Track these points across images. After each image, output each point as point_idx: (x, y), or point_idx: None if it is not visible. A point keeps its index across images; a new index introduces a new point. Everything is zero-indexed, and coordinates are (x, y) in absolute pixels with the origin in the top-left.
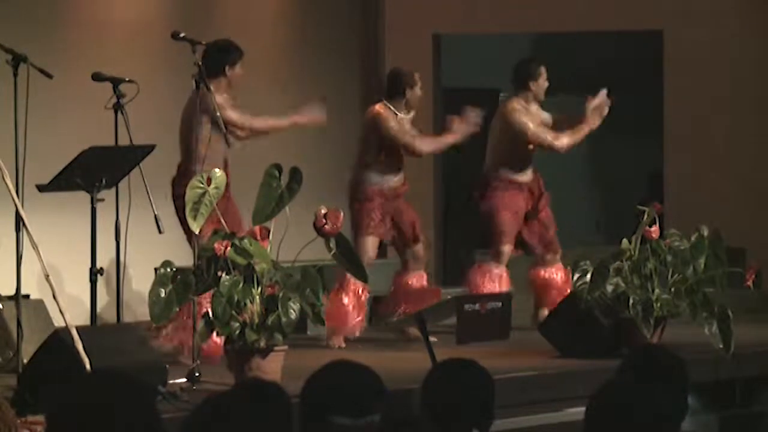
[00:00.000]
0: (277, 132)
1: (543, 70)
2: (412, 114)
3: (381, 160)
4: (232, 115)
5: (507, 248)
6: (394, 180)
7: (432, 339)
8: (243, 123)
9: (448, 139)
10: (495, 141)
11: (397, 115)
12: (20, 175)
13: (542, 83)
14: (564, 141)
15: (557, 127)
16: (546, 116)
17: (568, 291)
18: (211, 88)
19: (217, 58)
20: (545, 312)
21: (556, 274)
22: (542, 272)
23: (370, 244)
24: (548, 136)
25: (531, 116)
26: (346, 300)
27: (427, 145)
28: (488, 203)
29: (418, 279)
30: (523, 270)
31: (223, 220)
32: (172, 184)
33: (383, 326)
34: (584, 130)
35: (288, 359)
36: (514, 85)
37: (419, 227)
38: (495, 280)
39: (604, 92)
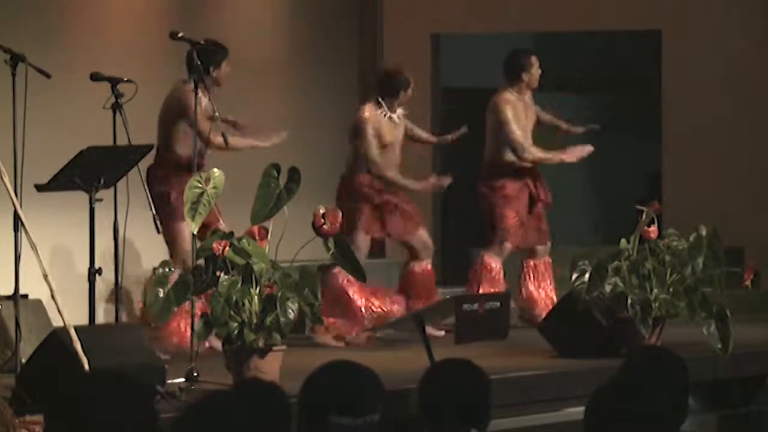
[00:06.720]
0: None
1: (534, 60)
2: (399, 111)
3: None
4: (204, 126)
5: (508, 245)
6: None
7: (439, 333)
8: (208, 138)
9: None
10: (493, 131)
11: (387, 114)
12: (19, 174)
13: (535, 73)
14: (533, 154)
15: (542, 121)
16: (537, 108)
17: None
18: (203, 90)
19: (203, 60)
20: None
21: (546, 264)
22: (532, 262)
23: (362, 241)
24: (522, 142)
25: (519, 110)
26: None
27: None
28: (493, 198)
29: (422, 268)
30: (517, 266)
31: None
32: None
33: (383, 327)
34: (556, 159)
35: (286, 359)
36: (506, 77)
37: (419, 217)
38: (495, 276)
39: (590, 148)
